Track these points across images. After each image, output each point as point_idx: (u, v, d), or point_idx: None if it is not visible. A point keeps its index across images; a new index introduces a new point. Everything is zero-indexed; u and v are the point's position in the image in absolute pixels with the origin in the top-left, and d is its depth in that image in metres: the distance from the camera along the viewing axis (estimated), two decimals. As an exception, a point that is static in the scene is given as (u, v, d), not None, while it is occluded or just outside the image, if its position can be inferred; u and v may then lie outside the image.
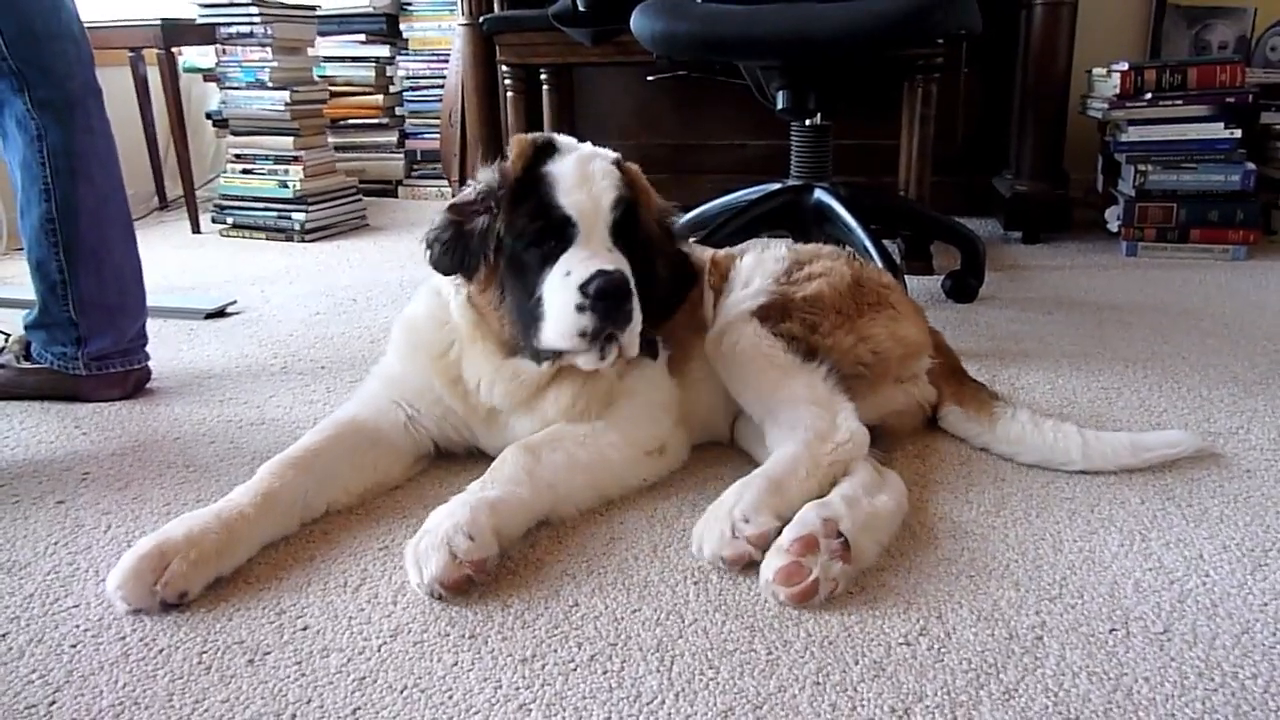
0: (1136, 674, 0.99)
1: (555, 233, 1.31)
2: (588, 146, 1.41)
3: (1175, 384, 1.83)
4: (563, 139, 1.41)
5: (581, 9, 2.42)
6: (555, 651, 1.04)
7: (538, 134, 1.45)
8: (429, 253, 1.40)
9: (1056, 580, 1.16)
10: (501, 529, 1.18)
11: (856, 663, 1.01)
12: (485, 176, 1.40)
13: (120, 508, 1.40)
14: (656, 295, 1.38)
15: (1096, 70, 3.25)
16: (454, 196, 1.40)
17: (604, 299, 1.26)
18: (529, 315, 1.32)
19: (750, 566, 1.17)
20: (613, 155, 1.41)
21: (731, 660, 1.02)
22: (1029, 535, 1.27)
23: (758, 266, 1.56)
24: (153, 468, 1.54)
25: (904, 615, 1.09)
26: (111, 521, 1.36)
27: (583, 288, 1.26)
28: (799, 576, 1.11)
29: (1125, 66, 2.99)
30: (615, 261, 1.29)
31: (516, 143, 1.41)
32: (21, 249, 1.85)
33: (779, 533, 1.18)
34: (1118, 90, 2.98)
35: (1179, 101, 2.94)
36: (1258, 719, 0.92)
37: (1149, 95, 2.96)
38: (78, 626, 1.10)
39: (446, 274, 1.40)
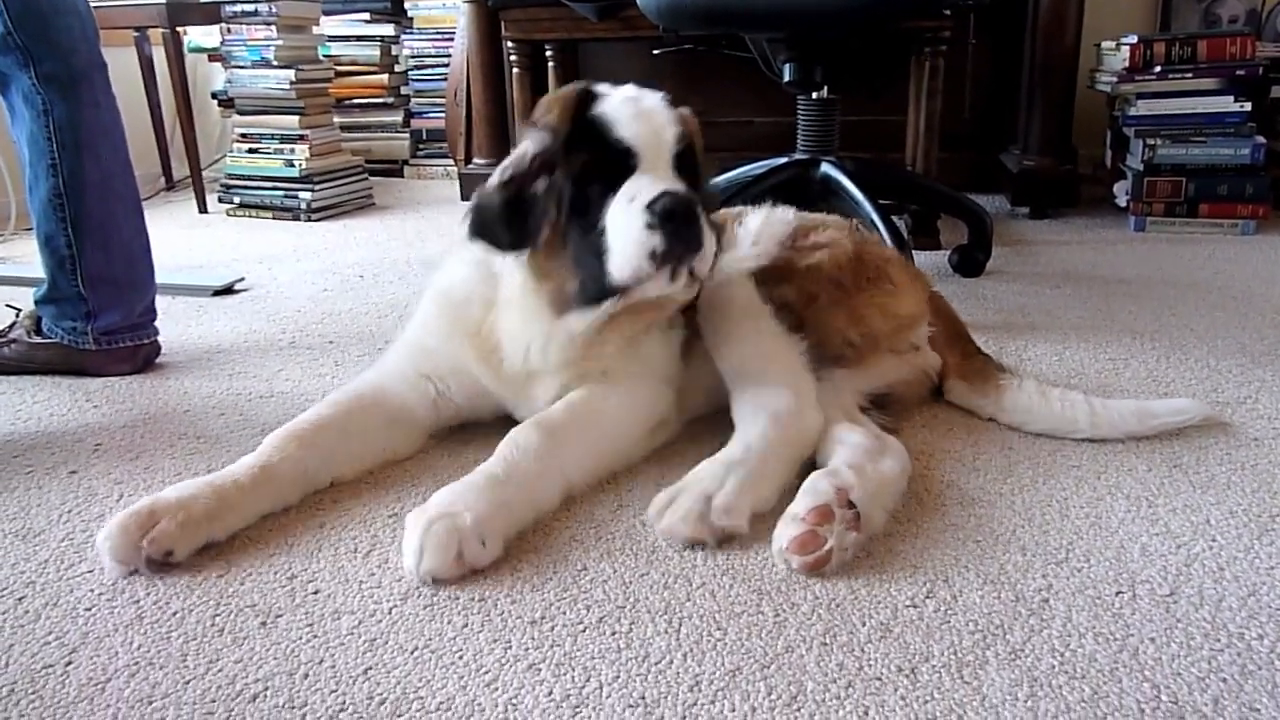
0: (1142, 635, 0.99)
1: (617, 165, 1.25)
2: (631, 87, 1.34)
3: (1183, 355, 1.83)
4: (601, 85, 1.35)
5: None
6: (564, 614, 1.05)
7: (575, 84, 1.38)
8: (486, 238, 1.33)
9: (1063, 545, 1.17)
10: (510, 531, 1.17)
11: (863, 624, 1.02)
12: (533, 139, 1.32)
13: (132, 477, 1.41)
14: None
15: (1105, 43, 3.23)
16: (494, 175, 1.34)
17: (672, 218, 1.20)
18: (593, 253, 1.25)
19: (695, 547, 1.17)
20: (661, 94, 1.35)
21: (739, 622, 1.03)
22: (1036, 501, 1.27)
23: (764, 228, 1.53)
24: (164, 439, 1.55)
25: (911, 579, 1.10)
26: (124, 490, 1.37)
27: (650, 206, 1.20)
28: (814, 545, 1.11)
29: (1134, 39, 2.97)
30: (681, 188, 1.24)
31: (558, 97, 1.34)
32: (31, 228, 1.85)
33: None
34: (1127, 63, 2.97)
35: (1188, 75, 2.92)
36: (1263, 677, 0.93)
37: (1158, 68, 2.94)
38: (92, 590, 1.11)
39: (513, 250, 1.32)
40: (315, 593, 1.10)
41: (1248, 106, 2.88)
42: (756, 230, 1.53)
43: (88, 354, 1.84)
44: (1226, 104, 2.89)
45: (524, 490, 1.20)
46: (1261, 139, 2.88)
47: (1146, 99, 2.95)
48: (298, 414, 1.53)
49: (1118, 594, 1.06)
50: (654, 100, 1.32)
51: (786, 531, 1.14)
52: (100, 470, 1.44)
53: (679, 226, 1.21)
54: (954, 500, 1.28)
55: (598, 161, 1.26)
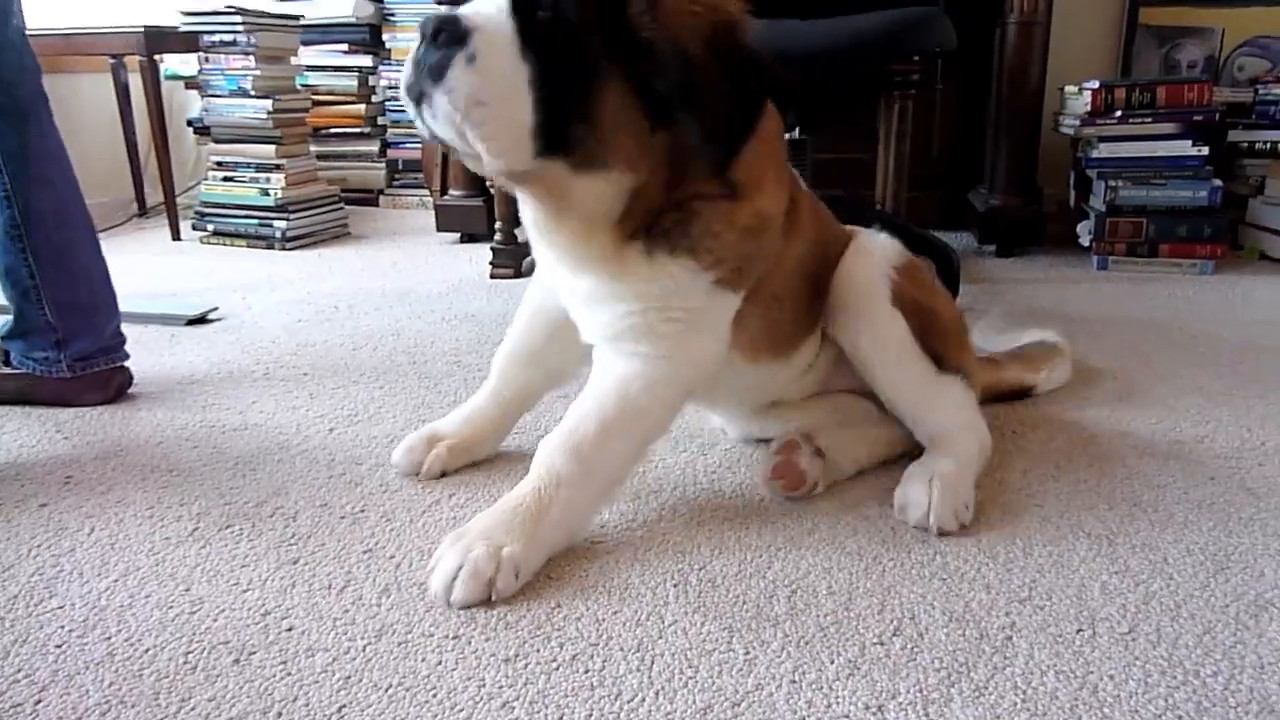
0: (1102, 672, 1.02)
1: None
2: None
3: (1143, 395, 1.88)
4: None
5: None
6: (538, 651, 1.06)
7: None
8: None
9: (1026, 583, 1.19)
10: (542, 564, 1.21)
11: (832, 662, 1.04)
12: None
13: (103, 511, 1.41)
14: (703, 119, 1.11)
15: (1069, 88, 3.32)
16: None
17: (422, 43, 1.06)
18: None
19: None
20: None
21: (710, 660, 1.04)
22: (1000, 539, 1.30)
23: (889, 252, 1.52)
24: (136, 472, 1.55)
25: (878, 617, 1.12)
26: (95, 525, 1.36)
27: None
28: (789, 470, 1.40)
29: (1096, 85, 3.05)
30: (478, 9, 1.06)
31: None
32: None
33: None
34: (1089, 108, 3.05)
35: (1148, 119, 3.01)
36: (1218, 714, 0.96)
37: (1119, 113, 3.02)
38: (62, 627, 1.11)
39: None
40: (289, 629, 1.10)
41: (1205, 150, 2.97)
42: (886, 253, 1.52)
43: (63, 382, 1.83)
44: (1185, 148, 2.98)
45: (561, 527, 1.24)
46: (1218, 182, 2.97)
47: (1108, 142, 3.04)
48: (273, 447, 1.54)
49: (1078, 632, 1.09)
50: None
51: (766, 466, 1.41)
52: (71, 504, 1.43)
53: (424, 52, 1.05)
54: (918, 538, 1.30)
55: None
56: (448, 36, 1.03)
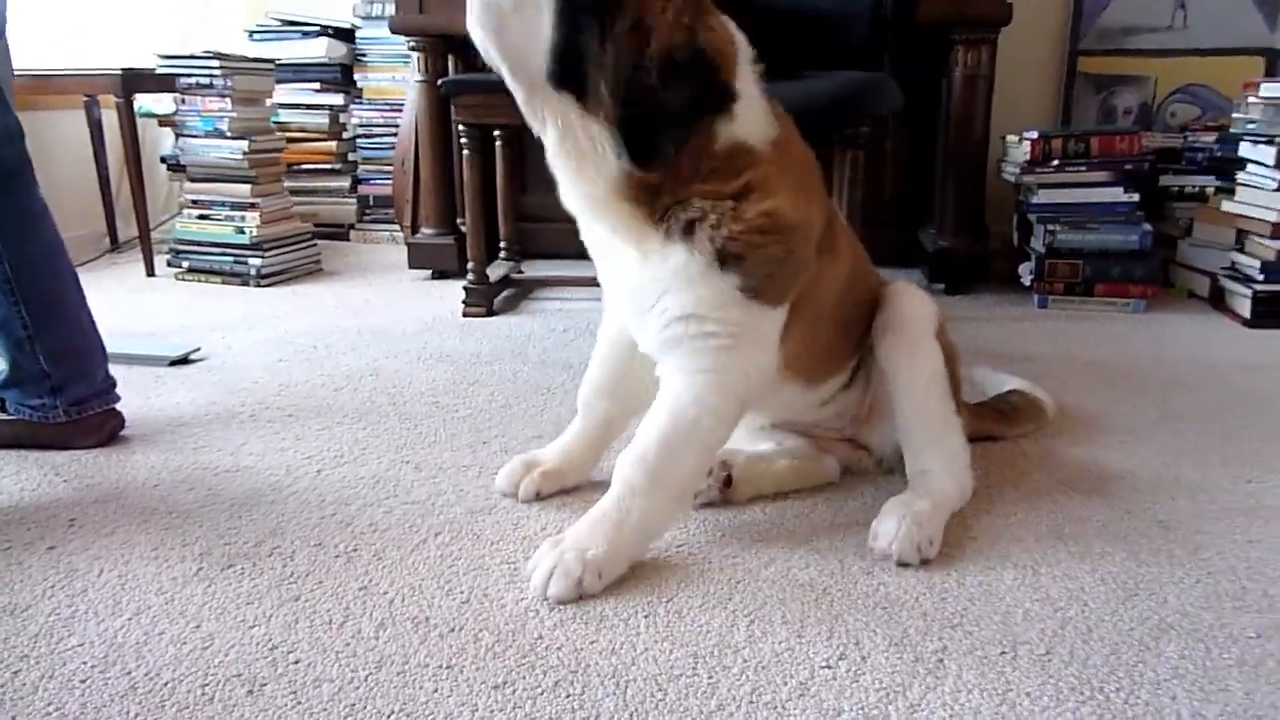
0: (1020, 690, 1.16)
1: None
2: None
3: (1074, 433, 2.04)
4: None
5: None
6: (524, 679, 1.18)
7: None
8: None
9: (958, 610, 1.34)
10: (624, 568, 1.41)
11: (785, 684, 1.17)
12: None
13: (110, 552, 1.50)
14: (627, 104, 1.24)
15: (1010, 137, 3.53)
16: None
17: None
18: None
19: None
20: None
21: (678, 684, 1.17)
22: (937, 571, 1.44)
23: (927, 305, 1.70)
24: (136, 514, 1.65)
25: (826, 643, 1.26)
26: (103, 566, 1.46)
27: None
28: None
29: (1035, 135, 3.26)
30: None
31: None
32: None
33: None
34: (1028, 156, 3.25)
35: (1083, 168, 3.21)
36: (1117, 726, 1.10)
37: (1056, 161, 3.23)
38: (84, 664, 1.21)
39: None
40: (295, 662, 1.21)
41: (1136, 197, 3.18)
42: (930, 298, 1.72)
43: (59, 426, 1.92)
44: (1117, 194, 3.19)
45: (639, 533, 1.43)
46: (1148, 226, 3.18)
47: (1046, 189, 3.24)
48: (265, 488, 1.64)
49: (1002, 654, 1.23)
50: None
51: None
52: (78, 546, 1.53)
53: None
54: (864, 571, 1.45)
55: None
56: None
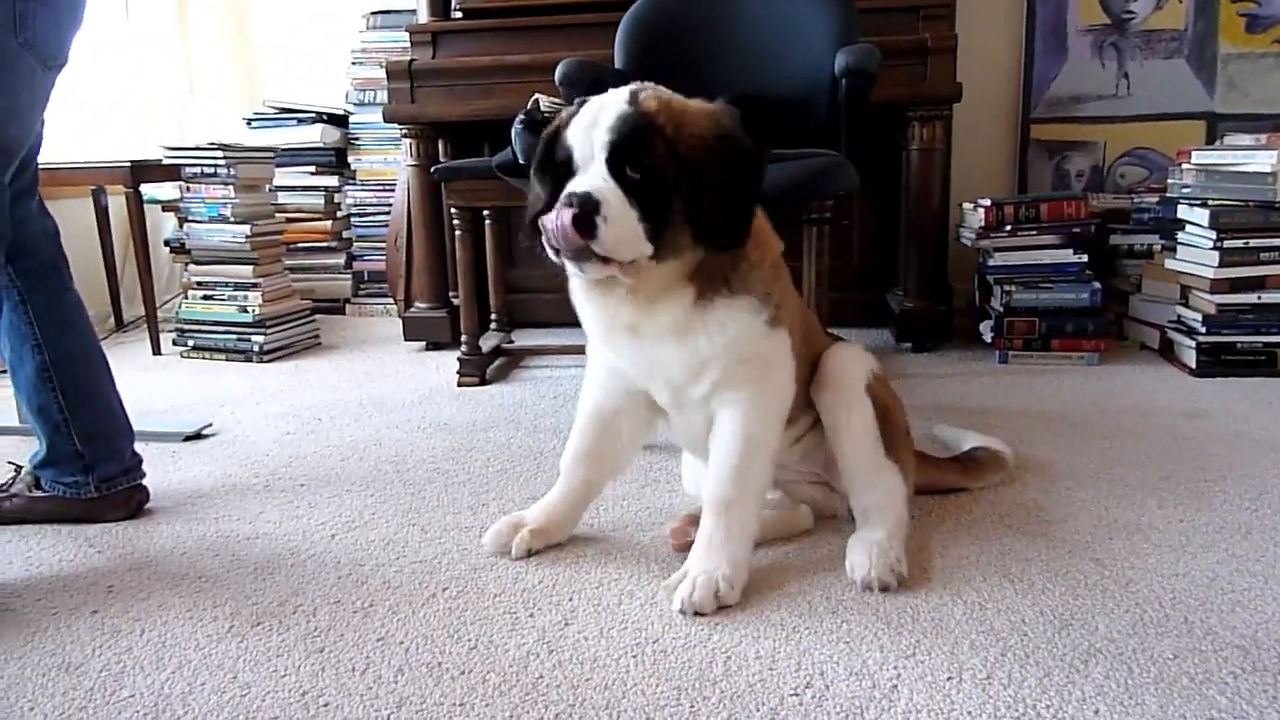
0: (963, 710, 1.33)
1: (565, 173, 1.54)
2: (611, 93, 1.56)
3: (1024, 481, 2.23)
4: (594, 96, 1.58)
5: (520, 161, 2.82)
6: (528, 714, 1.34)
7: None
8: None
9: (912, 643, 1.51)
10: (748, 575, 1.67)
11: (757, 710, 1.33)
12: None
13: (149, 615, 1.66)
14: (705, 211, 1.52)
15: (966, 204, 3.77)
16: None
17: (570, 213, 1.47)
18: None
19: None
20: (632, 90, 1.55)
21: (664, 713, 1.33)
22: (893, 607, 1.61)
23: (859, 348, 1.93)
24: (169, 579, 1.80)
25: (795, 673, 1.42)
26: (144, 627, 1.62)
27: (551, 208, 1.51)
28: (680, 535, 1.84)
29: (989, 202, 3.50)
30: (594, 184, 1.47)
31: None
32: None
33: None
34: (983, 223, 3.49)
35: (1034, 232, 3.45)
36: (1045, 736, 1.27)
37: (1009, 227, 3.46)
38: (138, 713, 1.36)
39: None
40: (325, 705, 1.37)
41: (1084, 258, 3.41)
42: (866, 357, 1.92)
43: (90, 501, 2.08)
44: (1067, 256, 3.42)
45: (744, 538, 1.67)
46: (1098, 284, 3.41)
47: (1001, 251, 3.47)
48: (285, 554, 1.80)
49: (948, 679, 1.40)
50: (610, 100, 1.54)
51: (671, 524, 1.88)
52: (118, 610, 1.68)
53: (573, 217, 1.46)
54: (828, 610, 1.62)
55: (554, 176, 1.56)
56: (591, 206, 1.47)
